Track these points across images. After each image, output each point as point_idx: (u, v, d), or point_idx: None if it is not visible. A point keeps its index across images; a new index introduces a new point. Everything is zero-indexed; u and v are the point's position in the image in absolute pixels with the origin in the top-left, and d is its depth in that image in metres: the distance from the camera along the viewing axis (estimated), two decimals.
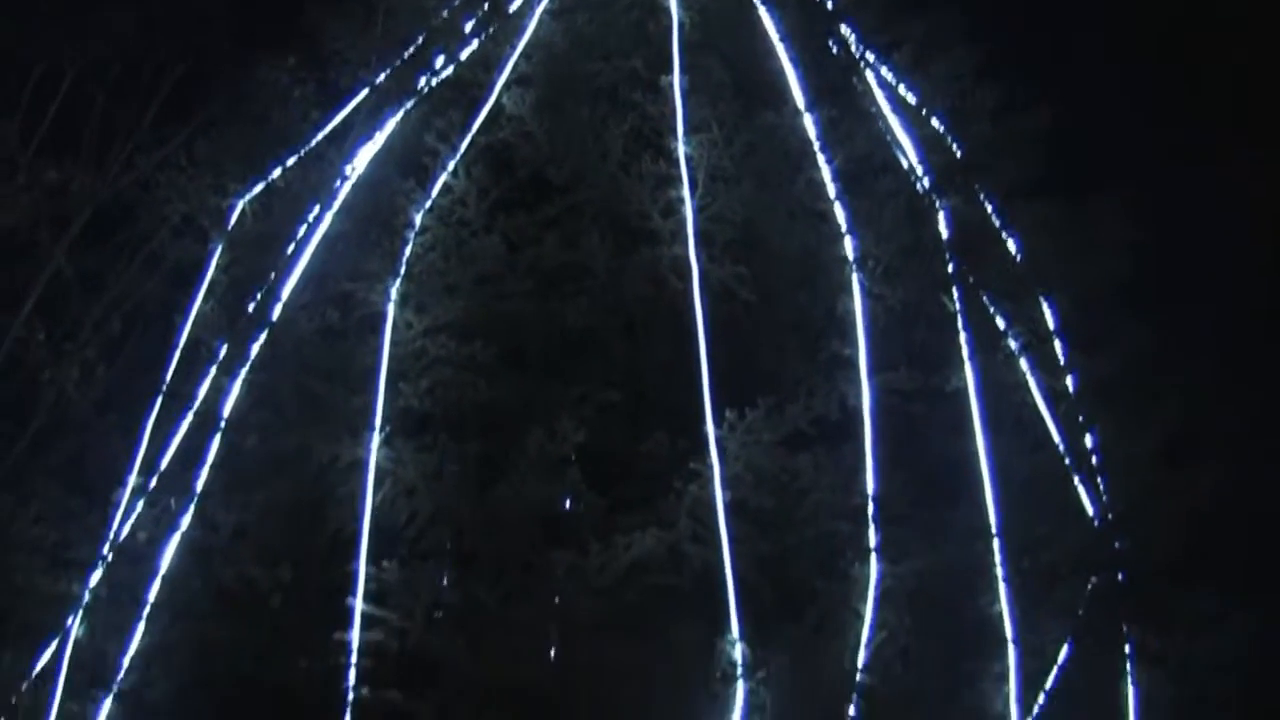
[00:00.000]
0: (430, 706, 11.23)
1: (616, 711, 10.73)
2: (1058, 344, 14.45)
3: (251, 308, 13.24)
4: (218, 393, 12.95)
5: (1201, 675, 13.39)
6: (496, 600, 11.35)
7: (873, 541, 12.41)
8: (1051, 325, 14.47)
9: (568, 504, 12.06)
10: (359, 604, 11.66)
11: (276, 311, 13.06)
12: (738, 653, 11.34)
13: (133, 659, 12.27)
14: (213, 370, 13.08)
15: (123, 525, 13.06)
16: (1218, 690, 13.29)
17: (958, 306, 13.77)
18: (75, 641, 12.78)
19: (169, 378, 13.34)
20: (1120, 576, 13.66)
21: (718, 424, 12.12)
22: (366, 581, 11.74)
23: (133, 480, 13.17)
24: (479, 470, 12.04)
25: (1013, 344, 14.04)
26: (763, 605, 11.88)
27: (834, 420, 12.75)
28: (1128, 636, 13.56)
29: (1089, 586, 13.58)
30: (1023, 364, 14.11)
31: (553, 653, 11.17)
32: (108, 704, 12.05)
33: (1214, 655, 13.22)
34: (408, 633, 11.58)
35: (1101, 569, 13.61)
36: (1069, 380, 14.31)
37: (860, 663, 12.13)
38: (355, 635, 11.55)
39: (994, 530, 12.97)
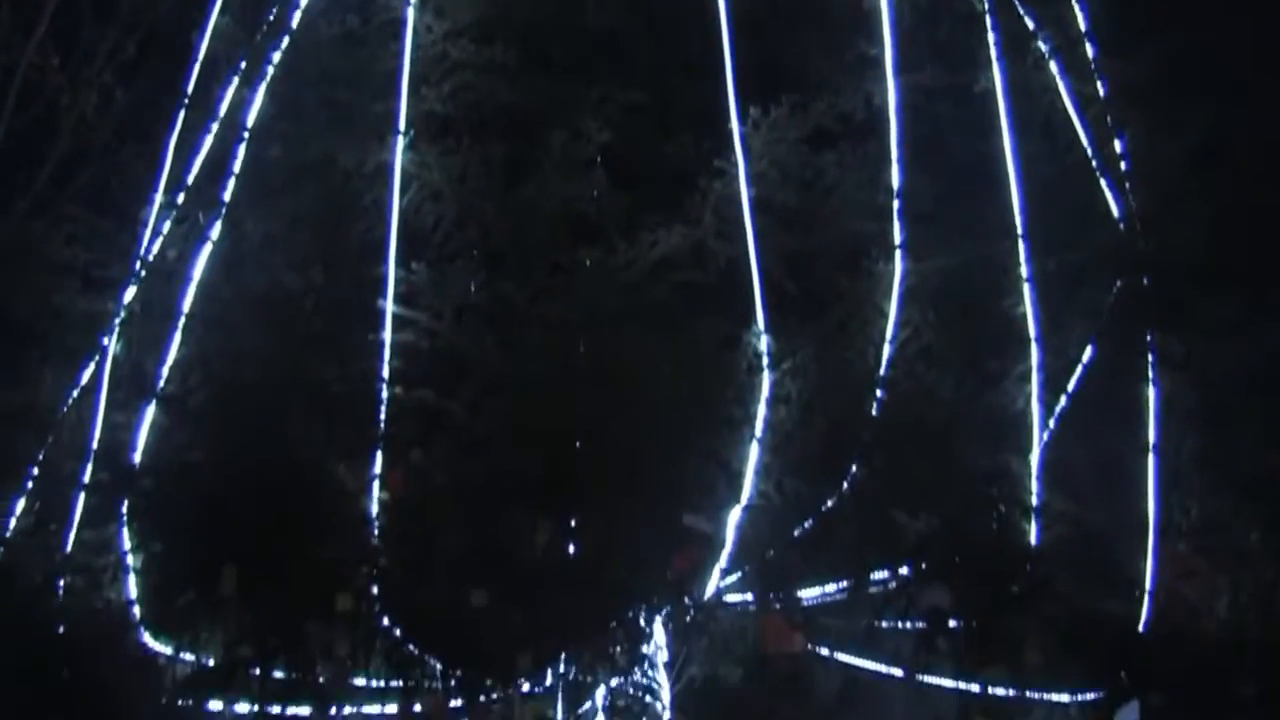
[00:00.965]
0: (461, 403, 11.40)
1: (644, 403, 10.88)
2: (1088, 47, 14.17)
3: (271, 17, 13.06)
4: (240, 104, 12.86)
5: (1222, 382, 13.48)
6: (524, 298, 11.41)
7: (897, 239, 12.44)
8: (1082, 27, 14.18)
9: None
10: (389, 306, 11.78)
11: (296, 19, 12.86)
12: (763, 344, 11.49)
13: (171, 370, 12.44)
14: (234, 82, 12.97)
15: (153, 242, 13.14)
16: (1239, 397, 13.39)
17: (986, 5, 13.51)
18: (114, 358, 12.98)
19: (189, 92, 13.23)
20: (1144, 280, 13.62)
21: (742, 122, 12.03)
22: (396, 284, 11.84)
23: (159, 198, 13.21)
24: (504, 172, 12.03)
25: (1042, 46, 13.80)
26: (787, 301, 11.98)
27: (859, 119, 12.65)
28: (1150, 340, 13.57)
29: (1113, 289, 13.56)
30: (1052, 67, 13.87)
31: (580, 347, 11.23)
32: (150, 411, 12.24)
33: (1236, 362, 13.28)
34: (438, 333, 11.71)
35: (1126, 272, 13.56)
36: (1098, 84, 14.07)
37: (884, 359, 12.28)
38: (387, 336, 11.69)
39: (1019, 231, 12.97)
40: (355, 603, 10.89)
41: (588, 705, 13.27)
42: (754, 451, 11.44)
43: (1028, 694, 13.14)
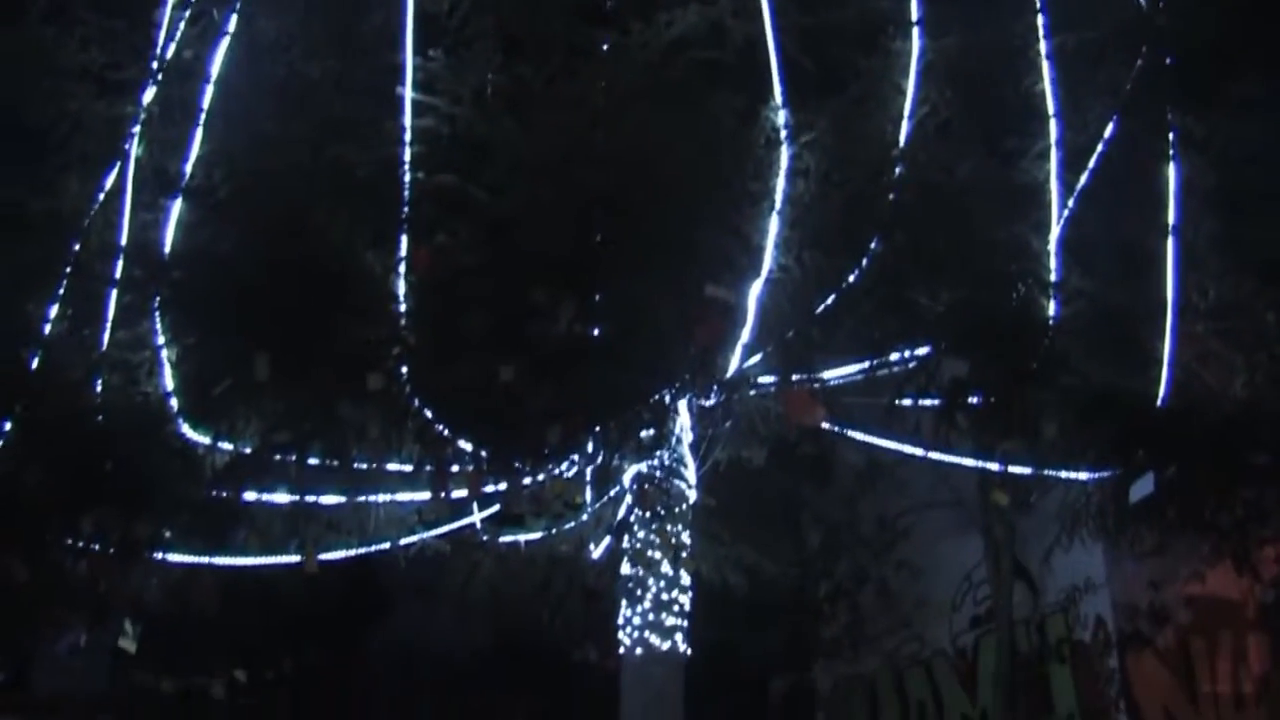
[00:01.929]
0: (483, 187, 11.49)
1: (663, 180, 10.95)
2: None
3: None
4: None
5: (1243, 163, 13.47)
6: (542, 81, 11.42)
7: (915, 15, 12.38)
8: None
9: None
10: (409, 93, 11.82)
11: None
12: (781, 119, 11.52)
13: (194, 166, 12.54)
14: None
15: (168, 43, 13.13)
16: (1259, 179, 13.38)
17: None
18: (136, 160, 13.06)
19: None
20: (1165, 58, 13.53)
21: None
22: (414, 71, 11.85)
23: None
24: None
25: None
26: (804, 79, 11.98)
27: None
28: (1171, 119, 13.53)
29: (1134, 67, 13.48)
30: None
31: (598, 128, 11.27)
32: (177, 206, 12.37)
33: (1257, 142, 13.24)
34: (457, 117, 11.76)
35: (1147, 49, 13.47)
36: None
37: (902, 136, 12.31)
38: (407, 123, 11.75)
39: (1038, 5, 12.88)
40: (386, 382, 11.11)
41: (615, 489, 13.60)
42: (773, 225, 11.53)
43: (1045, 470, 13.40)
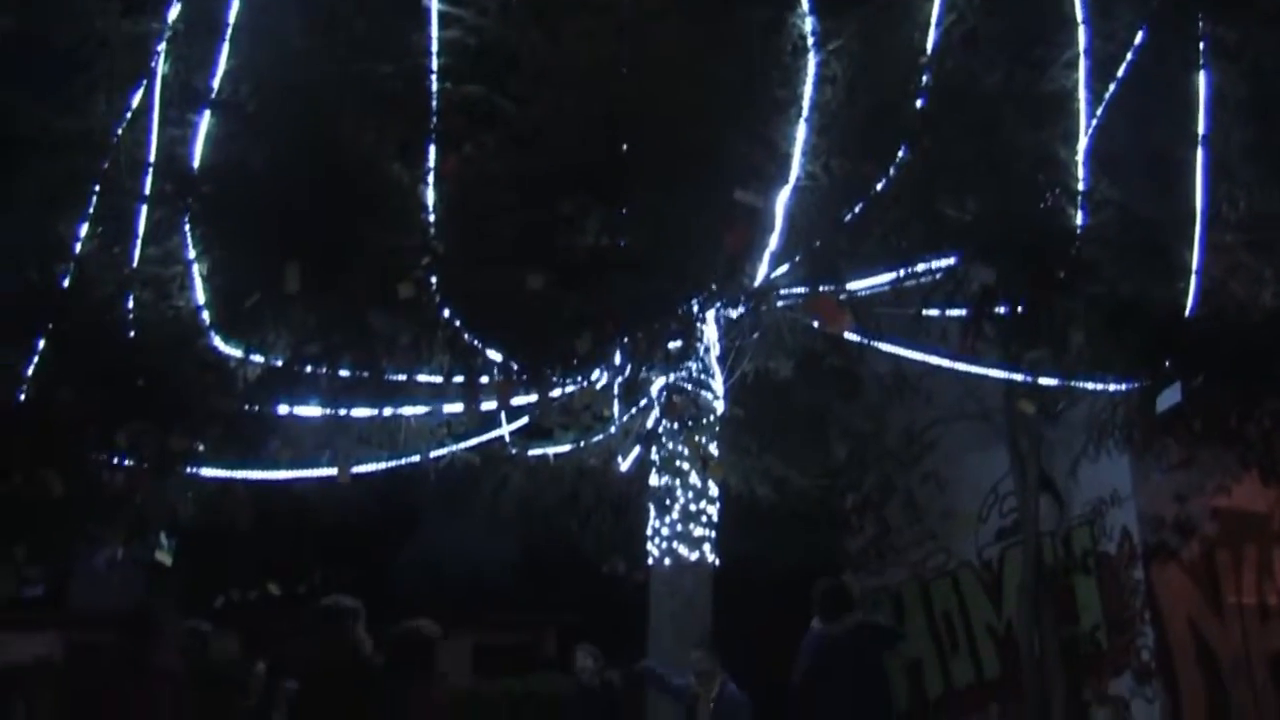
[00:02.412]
0: (509, 97, 11.51)
1: (690, 87, 10.95)
2: None
3: None
4: None
5: (1275, 72, 13.37)
6: None
7: None
8: None
9: None
10: (435, 4, 11.82)
11: None
12: (808, 26, 11.49)
13: (222, 81, 12.57)
14: None
15: None
16: None
17: None
18: (163, 78, 13.09)
19: None
20: None
21: None
22: None
23: None
24: None
25: None
26: None
27: None
28: (1202, 27, 13.43)
29: None
30: None
31: (625, 35, 11.24)
32: (205, 120, 12.41)
33: None
34: (484, 28, 11.75)
35: None
36: None
37: (929, 44, 12.25)
38: (434, 34, 11.75)
39: None
40: (415, 291, 11.18)
41: (643, 401, 13.67)
42: (801, 132, 11.52)
43: (1072, 381, 13.42)
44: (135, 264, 13.10)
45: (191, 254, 12.57)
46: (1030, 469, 16.62)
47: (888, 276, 12.97)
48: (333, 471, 13.03)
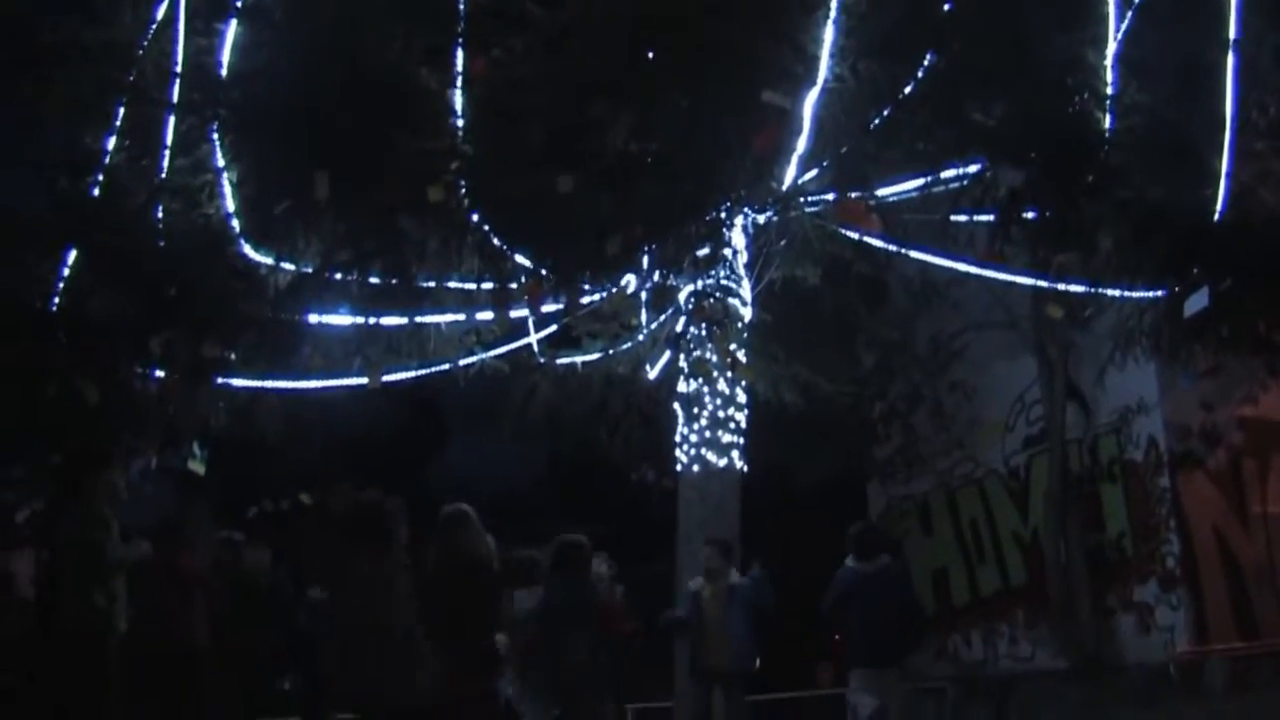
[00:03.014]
0: (538, 2, 11.48)
1: None
2: None
3: None
4: None
5: None
6: None
7: None
8: None
9: None
10: None
11: None
12: None
13: None
14: None
15: None
16: None
17: None
18: None
19: None
20: None
21: None
22: None
23: None
24: None
25: None
26: None
27: None
28: None
29: None
30: None
31: None
32: (233, 27, 12.41)
33: None
34: None
35: None
36: None
37: None
38: None
39: None
40: (445, 195, 11.21)
41: (671, 310, 13.70)
42: (829, 33, 11.47)
43: (1100, 287, 13.40)
44: (164, 174, 13.13)
45: (221, 162, 12.60)
46: (1057, 377, 16.64)
47: (916, 182, 12.97)
48: (364, 380, 13.12)
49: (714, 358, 13.26)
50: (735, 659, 11.45)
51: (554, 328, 14.04)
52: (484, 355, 13.70)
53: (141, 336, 12.29)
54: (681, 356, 13.71)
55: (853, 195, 12.10)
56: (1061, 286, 13.50)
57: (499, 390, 14.81)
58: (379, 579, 7.38)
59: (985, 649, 18.16)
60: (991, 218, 12.88)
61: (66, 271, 13.04)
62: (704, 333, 13.23)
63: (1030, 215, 12.64)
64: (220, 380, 13.17)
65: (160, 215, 12.97)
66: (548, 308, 13.18)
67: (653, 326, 13.87)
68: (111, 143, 13.30)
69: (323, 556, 7.73)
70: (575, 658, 9.90)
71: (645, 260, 12.40)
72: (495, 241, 11.90)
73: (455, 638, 8.36)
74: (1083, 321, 15.06)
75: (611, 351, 14.21)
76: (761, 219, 13.23)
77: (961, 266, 13.99)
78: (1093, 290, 13.55)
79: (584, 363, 14.38)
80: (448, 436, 20.99)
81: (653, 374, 14.49)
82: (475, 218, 11.69)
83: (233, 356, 12.87)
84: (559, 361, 14.42)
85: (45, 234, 12.97)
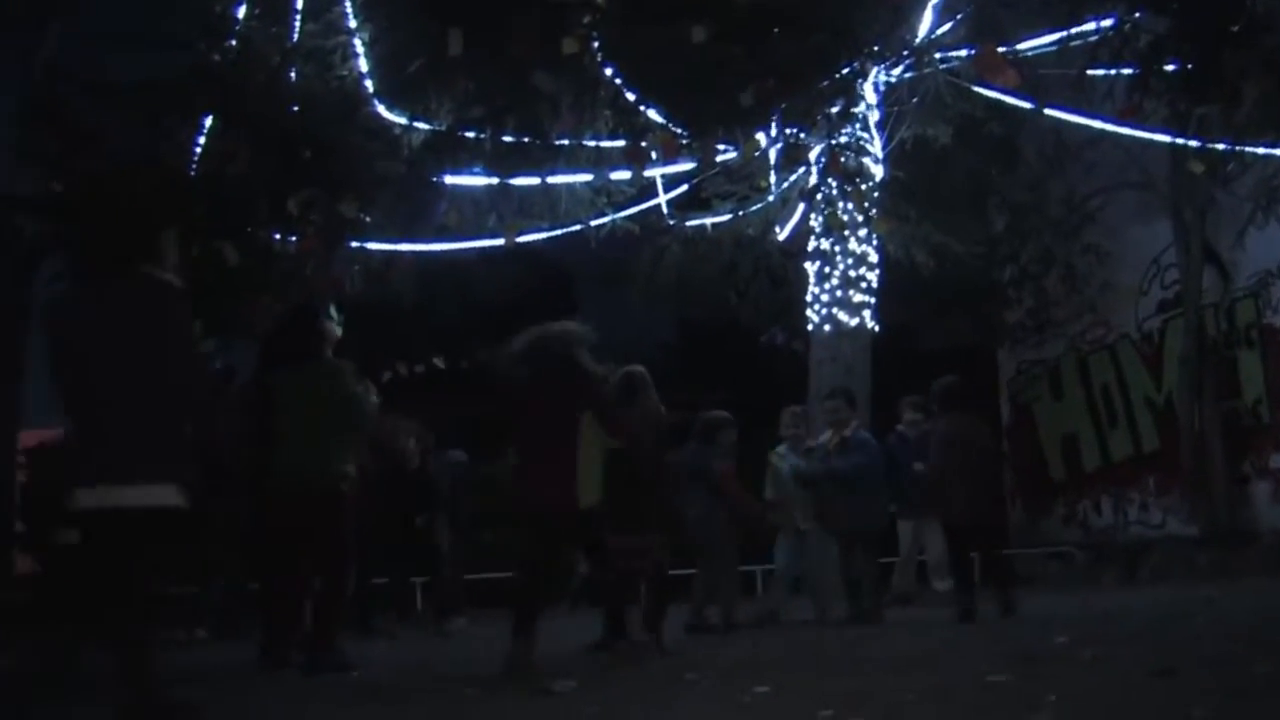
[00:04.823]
0: None
1: None
2: None
3: None
4: None
5: None
6: None
7: None
8: None
9: None
10: None
11: None
12: None
13: None
14: None
15: None
16: None
17: None
18: None
19: None
20: None
21: None
22: None
23: None
24: None
25: None
26: None
27: None
28: None
29: None
30: None
31: None
32: None
33: None
34: None
35: None
36: None
37: None
38: None
39: None
40: (579, 47, 11.18)
41: (801, 170, 13.61)
42: None
43: (1242, 143, 13.06)
44: (296, 39, 13.25)
45: (353, 24, 12.67)
46: (1194, 239, 16.32)
47: (1053, 35, 12.69)
48: (497, 241, 13.23)
49: (846, 216, 13.16)
50: (854, 517, 11.11)
51: (684, 188, 14.01)
52: (614, 216, 13.72)
53: (279, 199, 12.45)
54: (813, 215, 13.62)
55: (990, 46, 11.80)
56: (1202, 143, 13.14)
57: (629, 253, 14.84)
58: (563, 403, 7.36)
59: (1115, 515, 18.04)
60: (1130, 71, 12.53)
61: (203, 138, 13.27)
62: (835, 191, 13.12)
63: (1171, 67, 12.27)
64: (355, 243, 13.35)
65: (294, 79, 13.10)
66: (680, 166, 13.14)
67: (783, 186, 13.78)
68: (242, 11, 13.42)
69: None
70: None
71: (777, 116, 12.28)
72: (629, 96, 11.84)
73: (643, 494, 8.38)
74: (1223, 180, 14.68)
75: (741, 213, 14.17)
76: (894, 74, 13.03)
77: (1098, 124, 13.68)
78: (1235, 146, 13.18)
79: (713, 224, 14.36)
80: (578, 299, 21.07)
81: (783, 235, 14.42)
82: (608, 72, 11.63)
83: (367, 219, 13.03)
84: (688, 223, 14.41)
85: (183, 101, 13.17)
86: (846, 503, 10.85)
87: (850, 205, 12.99)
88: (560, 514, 7.38)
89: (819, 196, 13.30)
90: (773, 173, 13.83)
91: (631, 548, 8.09)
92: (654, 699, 6.14)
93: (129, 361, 5.00)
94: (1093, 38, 12.58)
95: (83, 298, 5.20)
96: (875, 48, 11.96)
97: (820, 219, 13.48)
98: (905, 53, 12.28)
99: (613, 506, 7.57)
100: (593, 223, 13.62)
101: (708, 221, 14.22)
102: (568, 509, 7.35)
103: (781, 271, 14.80)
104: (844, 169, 12.74)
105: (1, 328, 14.05)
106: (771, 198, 13.95)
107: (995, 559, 11.40)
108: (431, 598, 12.41)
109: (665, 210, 14.05)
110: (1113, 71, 12.84)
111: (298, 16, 13.27)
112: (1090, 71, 12.81)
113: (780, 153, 13.47)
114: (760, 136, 13.09)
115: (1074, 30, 12.60)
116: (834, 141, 13.01)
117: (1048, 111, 13.62)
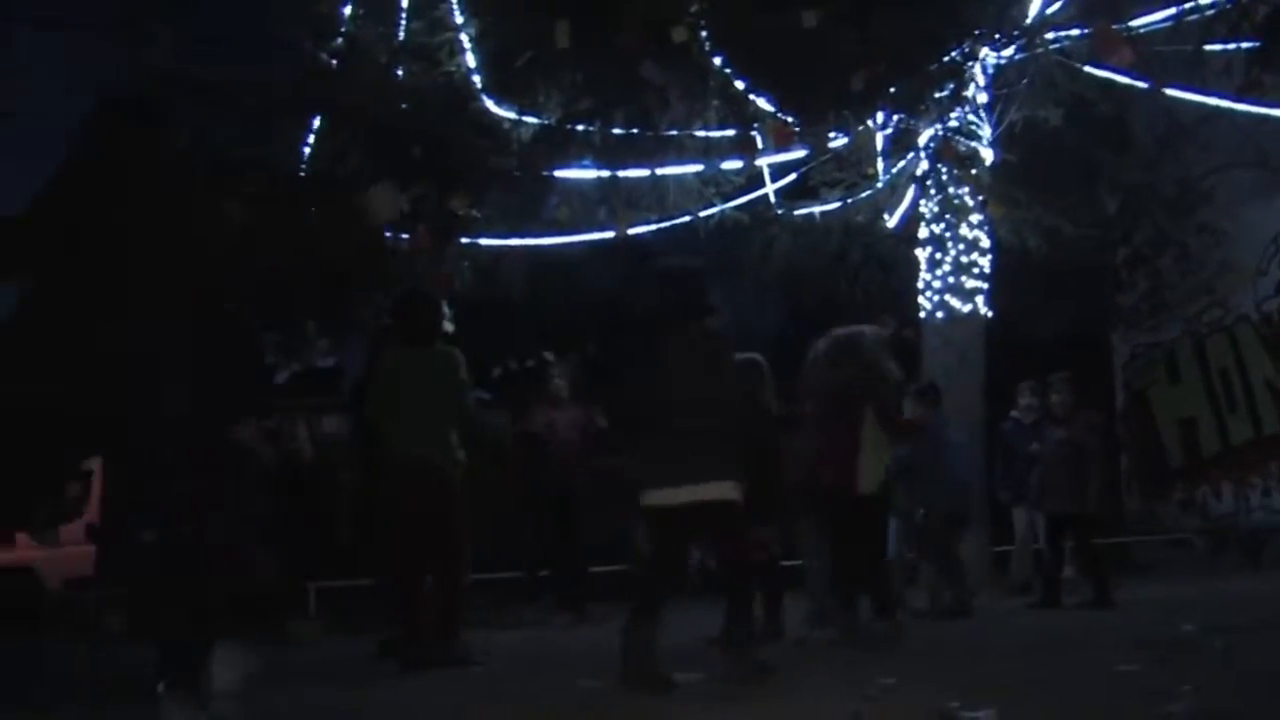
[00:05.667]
0: None
1: None
2: None
3: None
4: None
5: None
6: None
7: None
8: None
9: None
10: None
11: None
12: None
13: None
14: None
15: None
16: None
17: None
18: None
19: None
20: None
21: None
22: None
23: None
24: None
25: None
26: None
27: None
28: None
29: None
30: None
31: None
32: None
33: None
34: None
35: None
36: None
37: None
38: None
39: None
40: (688, 36, 11.16)
41: (909, 156, 13.49)
42: None
43: None
44: (402, 37, 13.37)
45: (459, 19, 12.74)
46: None
47: (1167, 11, 12.47)
48: (607, 234, 13.25)
49: (957, 201, 13.03)
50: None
51: (793, 176, 13.94)
52: (723, 206, 13.69)
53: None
54: (923, 201, 13.50)
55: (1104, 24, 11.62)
56: None
57: (737, 243, 14.77)
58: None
59: (1236, 501, 17.67)
60: (1249, 45, 12.27)
61: (313, 137, 13.43)
62: (945, 176, 13.00)
63: None
64: (465, 239, 13.44)
65: (401, 77, 13.20)
66: (789, 155, 13.08)
67: (892, 171, 13.66)
68: (347, 11, 13.56)
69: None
70: None
71: (886, 102, 12.17)
72: (738, 85, 11.79)
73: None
74: None
75: (850, 200, 14.06)
76: (1004, 55, 12.87)
77: (1213, 101, 13.43)
78: None
79: (821, 212, 14.26)
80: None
81: (891, 221, 14.30)
82: (718, 61, 11.59)
83: (477, 214, 13.10)
84: (796, 212, 14.33)
85: (292, 102, 13.32)
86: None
87: (965, 190, 12.83)
88: (843, 495, 8.23)
89: (929, 182, 13.18)
90: (879, 159, 13.71)
91: (762, 538, 8.22)
92: (776, 690, 6.12)
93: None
94: (1209, 12, 12.33)
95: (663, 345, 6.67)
96: (986, 29, 11.76)
97: (932, 205, 13.37)
98: (1016, 33, 12.08)
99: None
100: (701, 214, 13.58)
101: (816, 210, 14.13)
102: (850, 490, 8.20)
103: (891, 259, 14.66)
104: (956, 154, 12.60)
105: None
106: (880, 184, 13.83)
107: (1090, 549, 11.29)
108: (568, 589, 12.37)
109: (773, 200, 13.98)
110: (1230, 46, 12.58)
111: (403, 15, 13.35)
112: (1206, 47, 12.55)
113: (888, 139, 13.36)
114: (866, 123, 13.00)
115: (1188, 4, 12.34)
116: (945, 126, 12.87)
117: (1165, 91, 13.39)
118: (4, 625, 13.43)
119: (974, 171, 12.69)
